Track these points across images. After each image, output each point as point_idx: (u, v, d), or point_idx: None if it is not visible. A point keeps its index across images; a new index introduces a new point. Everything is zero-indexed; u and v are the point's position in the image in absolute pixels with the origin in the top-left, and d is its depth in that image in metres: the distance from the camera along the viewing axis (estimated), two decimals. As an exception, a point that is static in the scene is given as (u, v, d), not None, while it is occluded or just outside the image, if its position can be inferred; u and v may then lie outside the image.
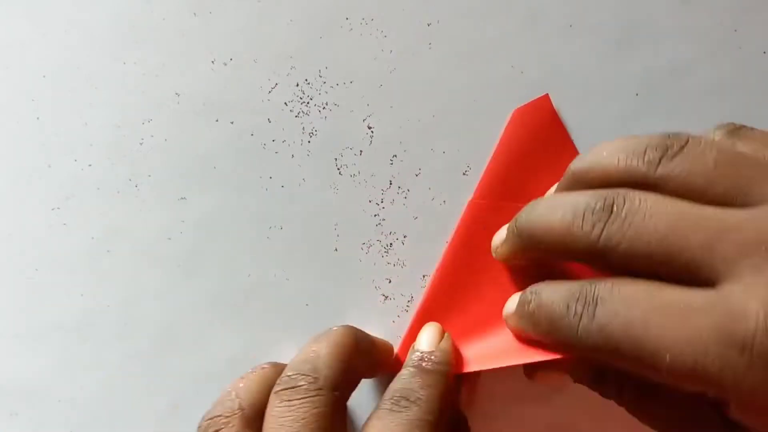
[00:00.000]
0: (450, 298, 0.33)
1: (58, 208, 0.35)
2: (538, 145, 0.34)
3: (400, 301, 0.35)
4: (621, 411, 0.29)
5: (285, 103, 0.36)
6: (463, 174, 0.35)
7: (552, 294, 0.27)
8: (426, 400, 0.28)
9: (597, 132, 0.35)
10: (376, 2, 0.36)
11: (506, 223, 0.32)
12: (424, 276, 0.34)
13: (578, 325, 0.25)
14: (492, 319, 0.33)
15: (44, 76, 0.36)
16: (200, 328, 0.35)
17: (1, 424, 0.35)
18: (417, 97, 0.35)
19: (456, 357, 0.31)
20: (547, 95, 0.34)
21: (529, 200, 0.32)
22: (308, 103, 0.36)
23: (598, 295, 0.25)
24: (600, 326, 0.25)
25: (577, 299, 0.26)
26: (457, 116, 0.35)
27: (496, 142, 0.34)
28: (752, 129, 0.27)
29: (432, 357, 0.30)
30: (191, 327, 0.35)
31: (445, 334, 0.32)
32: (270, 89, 0.36)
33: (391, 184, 0.35)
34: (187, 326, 0.35)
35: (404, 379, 0.29)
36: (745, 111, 0.35)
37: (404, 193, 0.35)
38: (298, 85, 0.36)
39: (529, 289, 0.29)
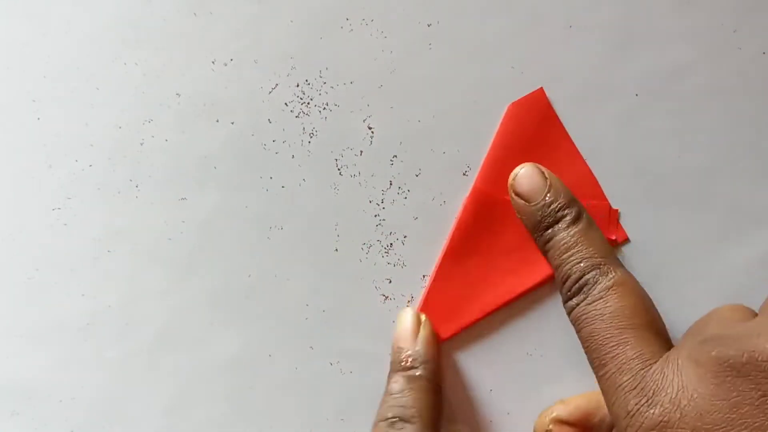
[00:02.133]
0: (450, 291, 0.33)
1: (59, 208, 0.35)
2: (534, 138, 0.34)
3: (400, 301, 0.35)
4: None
5: (285, 104, 0.36)
6: (463, 174, 0.35)
7: (570, 257, 0.31)
8: (420, 415, 0.31)
9: (597, 132, 0.35)
10: (376, 2, 0.36)
11: (503, 217, 0.33)
12: (424, 276, 0.34)
13: (569, 300, 0.31)
14: (490, 308, 0.34)
15: (45, 77, 0.36)
16: (200, 328, 0.35)
17: (1, 424, 0.35)
18: (417, 97, 0.35)
19: (438, 335, 0.34)
20: (541, 89, 0.35)
21: None
22: (308, 103, 0.36)
23: (596, 289, 0.30)
24: (580, 315, 0.30)
25: (584, 281, 0.30)
26: (457, 116, 0.35)
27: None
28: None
29: (415, 357, 0.32)
30: (191, 327, 0.35)
31: (423, 320, 0.33)
32: (270, 89, 0.36)
33: (391, 184, 0.35)
34: (187, 326, 0.35)
35: (395, 396, 0.31)
36: (745, 111, 0.35)
37: (404, 193, 0.35)
38: (298, 85, 0.36)
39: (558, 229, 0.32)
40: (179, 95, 0.36)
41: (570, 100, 0.35)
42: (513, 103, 0.34)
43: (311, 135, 0.36)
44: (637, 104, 0.35)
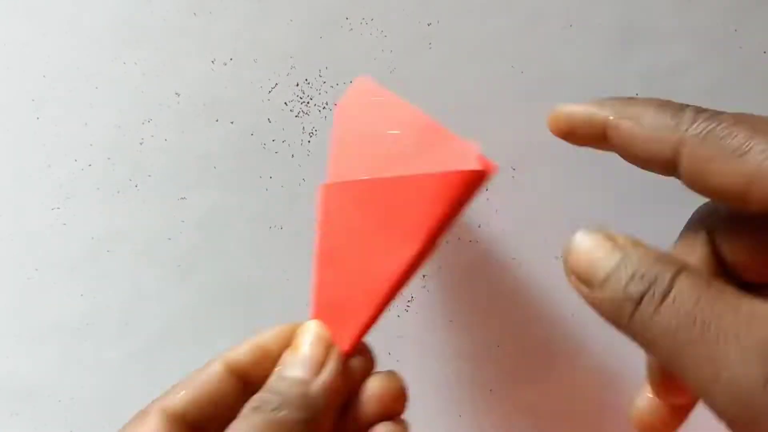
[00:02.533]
0: (335, 294, 0.29)
1: (58, 208, 0.35)
2: (373, 118, 0.31)
3: (399, 301, 0.35)
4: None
5: (285, 103, 0.36)
6: (463, 174, 0.35)
7: (612, 260, 0.23)
8: None
9: (597, 132, 0.35)
10: (376, 2, 0.36)
11: (362, 201, 0.29)
12: (424, 276, 0.34)
13: (634, 312, 0.22)
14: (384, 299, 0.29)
15: (44, 76, 0.36)
16: (200, 328, 0.35)
17: (1, 424, 0.35)
18: (417, 96, 0.35)
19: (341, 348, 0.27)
20: (364, 78, 0.31)
21: (379, 169, 0.29)
22: (308, 102, 0.36)
23: (672, 290, 0.21)
24: (658, 326, 0.21)
25: (643, 279, 0.22)
26: (457, 116, 0.35)
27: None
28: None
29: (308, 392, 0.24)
30: (191, 327, 0.35)
31: (333, 351, 0.26)
32: (270, 89, 0.36)
33: (391, 184, 0.35)
34: (187, 326, 0.35)
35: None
36: (746, 111, 0.35)
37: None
38: (298, 84, 0.36)
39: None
40: (179, 95, 0.36)
41: (570, 100, 0.35)
42: (338, 104, 0.31)
43: (311, 134, 0.36)
44: (637, 104, 0.35)
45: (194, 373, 0.27)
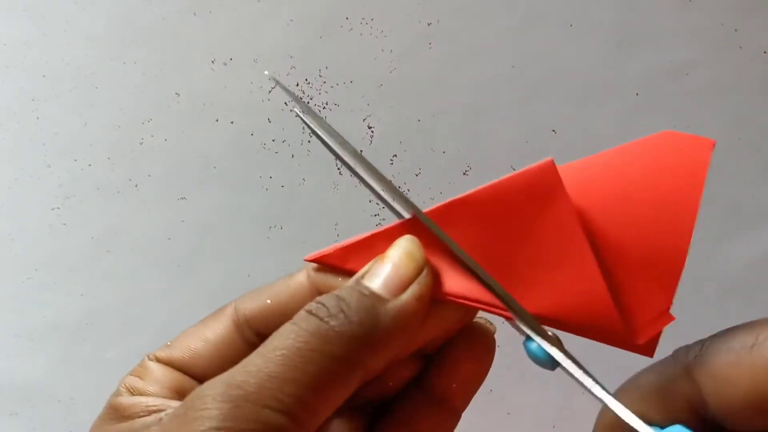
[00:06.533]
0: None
1: (58, 208, 0.35)
2: (669, 189, 0.22)
3: (400, 301, 0.35)
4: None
5: (285, 103, 0.36)
6: (463, 174, 0.35)
7: None
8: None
9: (597, 132, 0.35)
10: (376, 2, 0.36)
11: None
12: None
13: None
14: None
15: (44, 76, 0.36)
16: (200, 328, 0.35)
17: (1, 424, 0.35)
18: (417, 96, 0.35)
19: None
20: (712, 142, 0.22)
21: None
22: (308, 102, 0.36)
23: None
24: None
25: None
26: (457, 116, 0.35)
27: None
28: None
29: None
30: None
31: (424, 272, 0.21)
32: (270, 89, 0.36)
33: (391, 184, 0.35)
34: (187, 326, 0.35)
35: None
36: (745, 111, 0.35)
37: (404, 193, 0.35)
38: (298, 84, 0.36)
39: None
40: (179, 95, 0.36)
41: (570, 100, 0.35)
42: (672, 133, 0.22)
43: (311, 134, 0.36)
44: (638, 103, 0.35)
45: (280, 282, 0.23)
